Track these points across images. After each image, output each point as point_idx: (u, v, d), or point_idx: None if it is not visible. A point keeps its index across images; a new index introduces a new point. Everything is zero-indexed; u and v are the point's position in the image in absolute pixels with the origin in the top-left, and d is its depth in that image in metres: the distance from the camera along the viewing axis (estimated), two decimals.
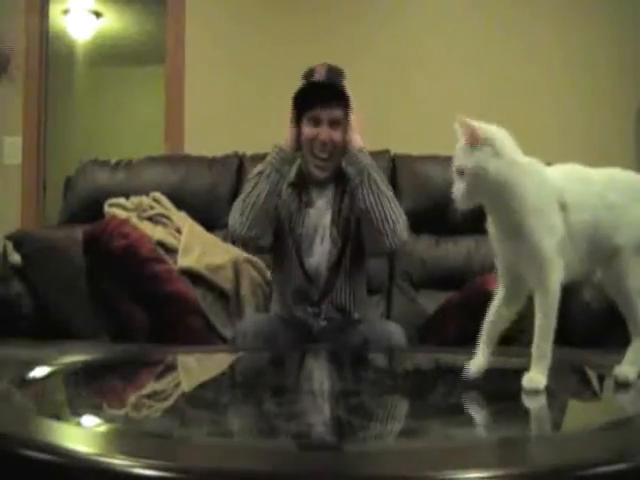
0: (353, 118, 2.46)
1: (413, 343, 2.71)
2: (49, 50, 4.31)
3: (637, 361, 1.42)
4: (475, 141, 1.30)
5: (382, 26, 3.92)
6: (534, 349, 1.34)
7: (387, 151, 3.36)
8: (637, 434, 1.04)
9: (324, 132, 2.44)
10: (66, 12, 5.71)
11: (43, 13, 4.22)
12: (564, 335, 2.52)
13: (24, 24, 4.12)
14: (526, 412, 1.26)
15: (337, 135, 2.44)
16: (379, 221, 2.36)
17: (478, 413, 1.26)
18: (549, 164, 1.42)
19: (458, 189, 1.34)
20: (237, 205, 2.43)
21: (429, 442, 1.06)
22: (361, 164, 2.41)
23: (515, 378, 1.34)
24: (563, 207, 1.33)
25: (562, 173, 1.40)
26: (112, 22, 6.05)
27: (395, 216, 2.38)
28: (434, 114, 3.82)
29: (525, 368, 1.34)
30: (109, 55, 6.52)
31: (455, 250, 3.23)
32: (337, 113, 2.44)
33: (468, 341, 2.45)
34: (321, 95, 2.43)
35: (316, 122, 2.45)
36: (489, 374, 1.41)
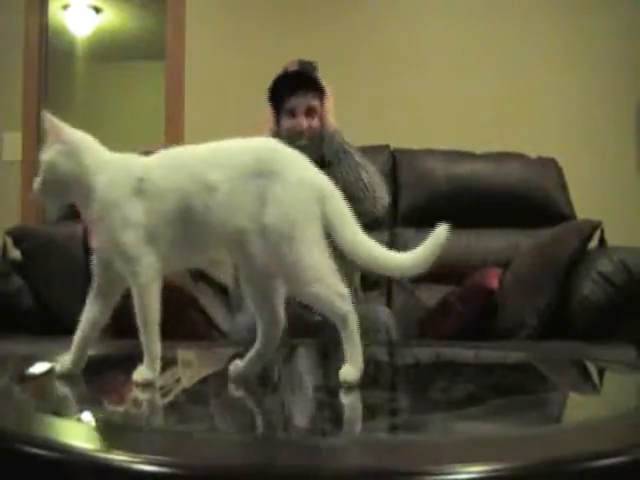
0: (327, 105, 2.56)
1: (413, 337, 2.71)
2: (49, 45, 4.30)
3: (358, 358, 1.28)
4: (56, 138, 1.35)
5: (383, 18, 3.91)
6: (144, 347, 1.36)
7: (387, 146, 3.37)
8: (636, 427, 1.04)
9: (301, 121, 2.53)
10: (66, 7, 5.70)
11: (43, 8, 4.21)
12: (564, 329, 2.54)
13: (24, 19, 4.11)
14: (525, 406, 1.26)
15: (314, 122, 2.55)
16: (359, 190, 2.43)
17: (477, 407, 1.26)
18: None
19: (37, 181, 1.36)
20: None
21: (428, 436, 1.06)
22: (336, 144, 2.50)
23: (514, 372, 1.34)
24: (141, 195, 1.31)
25: (155, 161, 1.37)
26: (112, 17, 6.03)
27: (374, 184, 2.47)
28: (434, 108, 3.82)
29: (524, 363, 1.33)
30: (109, 50, 6.51)
31: (455, 244, 3.21)
32: (312, 101, 2.55)
33: (468, 335, 2.48)
34: (295, 85, 2.53)
35: (293, 114, 2.54)
36: (488, 368, 1.41)
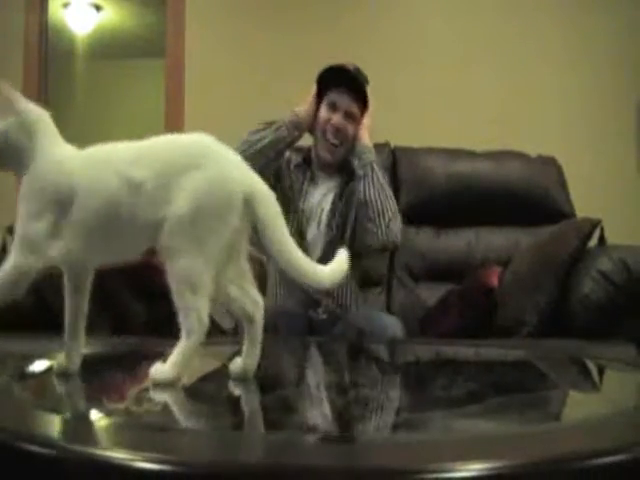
0: (366, 120, 2.59)
1: (413, 335, 2.72)
2: (49, 43, 4.30)
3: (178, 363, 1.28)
4: (12, 109, 1.35)
5: (383, 17, 3.91)
6: None
7: (387, 143, 3.37)
8: (636, 425, 1.04)
9: (338, 119, 2.55)
10: (66, 5, 5.71)
11: (43, 6, 4.21)
12: (563, 327, 2.54)
13: (24, 17, 4.11)
14: (525, 404, 1.26)
15: (350, 128, 2.58)
16: (375, 214, 2.45)
17: (477, 405, 1.26)
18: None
19: None
20: (238, 145, 2.44)
21: (428, 434, 1.06)
22: (367, 159, 2.53)
23: (514, 370, 1.34)
24: (68, 191, 1.29)
25: (87, 157, 1.35)
26: (112, 15, 6.03)
27: (391, 213, 2.48)
28: (434, 106, 3.82)
29: (524, 361, 1.33)
30: (109, 48, 6.51)
31: (455, 242, 3.24)
32: (354, 108, 2.57)
33: (468, 334, 2.48)
34: (347, 82, 2.55)
35: (333, 108, 2.57)
36: (488, 366, 1.41)
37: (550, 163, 3.34)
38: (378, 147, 3.20)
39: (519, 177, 3.28)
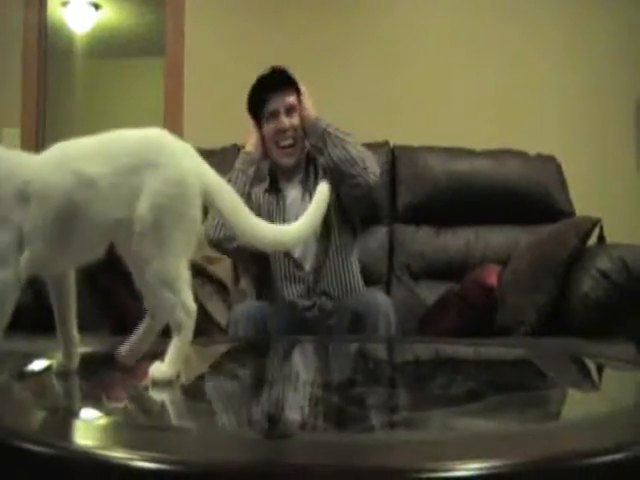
0: (303, 99, 2.58)
1: (412, 334, 2.71)
2: (48, 42, 4.29)
3: (176, 361, 1.28)
4: None
5: (382, 16, 3.90)
6: None
7: (387, 142, 3.37)
8: (636, 424, 1.04)
9: (282, 120, 2.56)
10: (65, 4, 5.70)
11: (42, 5, 4.20)
12: (563, 325, 2.54)
13: (23, 16, 4.10)
14: (524, 402, 1.26)
15: (295, 119, 2.58)
16: (349, 165, 2.46)
17: (476, 404, 1.26)
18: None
19: None
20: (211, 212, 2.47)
21: (427, 433, 1.06)
22: (319, 129, 2.52)
23: (513, 368, 1.34)
24: (26, 198, 1.28)
25: (44, 159, 1.34)
26: (111, 14, 6.02)
27: (362, 155, 2.50)
28: (434, 105, 3.82)
29: (523, 359, 1.33)
30: (108, 47, 6.50)
31: (454, 241, 3.24)
32: (290, 99, 2.58)
33: (467, 332, 2.48)
34: (269, 83, 2.57)
35: (274, 115, 2.58)
36: (487, 364, 1.41)
37: (549, 162, 3.34)
38: (377, 146, 3.21)
39: (518, 176, 3.28)
